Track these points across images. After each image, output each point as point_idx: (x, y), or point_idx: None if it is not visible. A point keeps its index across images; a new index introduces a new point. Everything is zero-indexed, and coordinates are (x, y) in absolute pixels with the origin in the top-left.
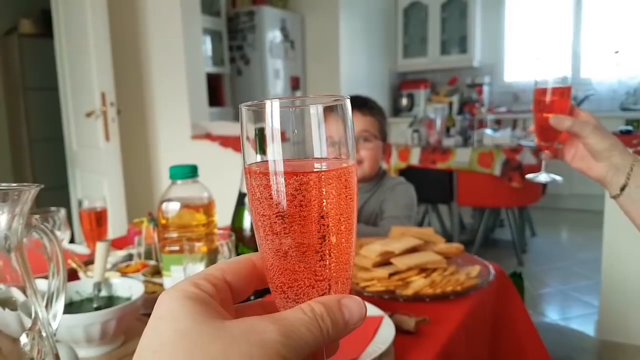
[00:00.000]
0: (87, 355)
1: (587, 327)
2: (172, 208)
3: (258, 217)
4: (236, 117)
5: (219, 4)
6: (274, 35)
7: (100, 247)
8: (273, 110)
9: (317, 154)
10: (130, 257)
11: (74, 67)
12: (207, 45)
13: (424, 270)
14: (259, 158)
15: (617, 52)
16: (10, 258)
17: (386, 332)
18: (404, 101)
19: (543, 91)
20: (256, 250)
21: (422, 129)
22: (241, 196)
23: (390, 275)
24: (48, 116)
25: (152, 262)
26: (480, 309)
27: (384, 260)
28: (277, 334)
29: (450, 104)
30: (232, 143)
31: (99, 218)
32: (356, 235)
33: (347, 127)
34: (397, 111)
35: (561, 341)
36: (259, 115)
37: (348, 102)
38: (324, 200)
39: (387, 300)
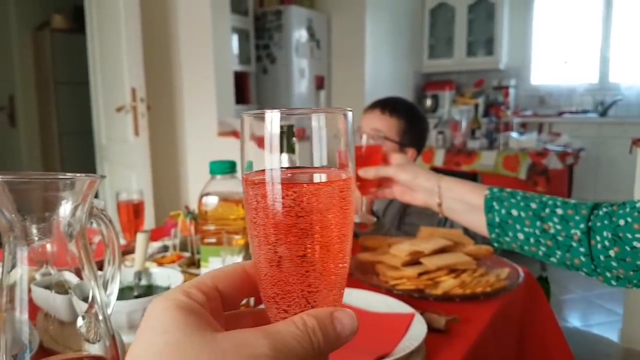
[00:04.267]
0: (127, 341)
1: (610, 334)
2: (210, 202)
3: (253, 227)
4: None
5: (247, 3)
6: (300, 35)
7: (140, 237)
8: (273, 121)
9: (316, 165)
10: (165, 248)
11: (105, 63)
12: (234, 43)
13: (453, 270)
14: (285, 157)
15: None
16: (67, 242)
17: (418, 329)
18: (429, 102)
19: (359, 148)
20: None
21: (447, 131)
22: None
23: (420, 274)
24: (78, 110)
25: (187, 254)
26: (508, 311)
27: (413, 260)
28: (268, 348)
29: (476, 106)
30: (258, 141)
31: (136, 210)
32: (350, 247)
33: (347, 140)
34: None
35: (586, 346)
36: (262, 123)
37: (350, 115)
38: (320, 213)
39: (416, 299)
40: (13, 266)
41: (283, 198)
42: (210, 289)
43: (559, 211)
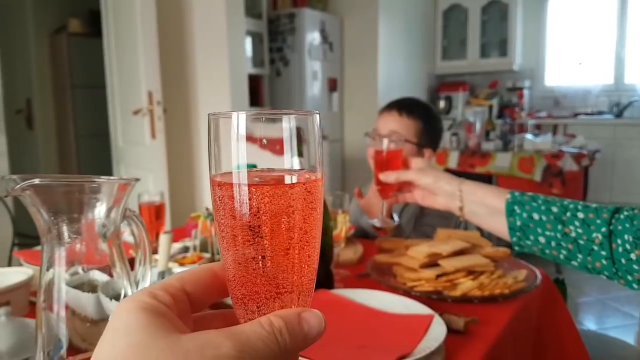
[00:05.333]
0: None
1: (627, 338)
2: None
3: (221, 228)
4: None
5: (261, 6)
6: (313, 37)
7: (163, 238)
8: (239, 122)
9: (287, 166)
10: (186, 249)
11: (122, 66)
12: (248, 46)
13: (471, 272)
14: (296, 161)
15: None
16: (99, 242)
17: (437, 330)
18: (442, 104)
19: (380, 152)
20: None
21: (461, 132)
22: None
23: (438, 276)
24: (94, 113)
25: (207, 255)
26: (526, 312)
27: (431, 262)
28: (232, 349)
29: (490, 108)
30: (270, 145)
31: (158, 211)
32: (319, 248)
33: (315, 141)
34: None
35: (602, 349)
36: (226, 124)
37: (317, 117)
38: (288, 213)
39: (435, 301)
40: (50, 266)
41: (249, 199)
42: (178, 290)
43: (580, 215)
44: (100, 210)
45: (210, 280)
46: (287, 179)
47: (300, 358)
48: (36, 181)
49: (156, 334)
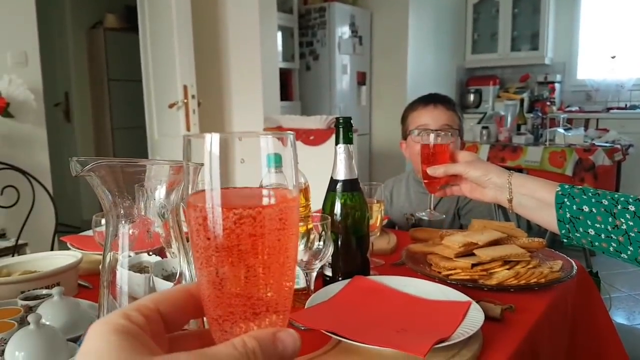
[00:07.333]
0: None
1: None
2: None
3: (195, 249)
4: (305, 112)
5: (292, 1)
6: (343, 31)
7: None
8: (212, 143)
9: (266, 183)
10: None
11: (158, 61)
12: (278, 41)
13: (507, 262)
14: (342, 147)
15: None
16: (151, 225)
17: (475, 316)
18: (471, 97)
19: (427, 147)
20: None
21: (491, 126)
22: (333, 183)
23: (473, 265)
24: (130, 106)
25: None
26: (562, 302)
27: (467, 251)
28: None
29: (522, 101)
30: (301, 136)
31: None
32: (295, 267)
33: (291, 161)
34: (463, 107)
35: (633, 342)
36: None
37: (293, 137)
38: (262, 234)
39: (471, 289)
40: (112, 246)
41: (223, 220)
42: (152, 311)
43: (631, 208)
44: (160, 192)
45: (185, 300)
46: (261, 200)
47: (343, 339)
48: (103, 162)
49: (127, 357)
